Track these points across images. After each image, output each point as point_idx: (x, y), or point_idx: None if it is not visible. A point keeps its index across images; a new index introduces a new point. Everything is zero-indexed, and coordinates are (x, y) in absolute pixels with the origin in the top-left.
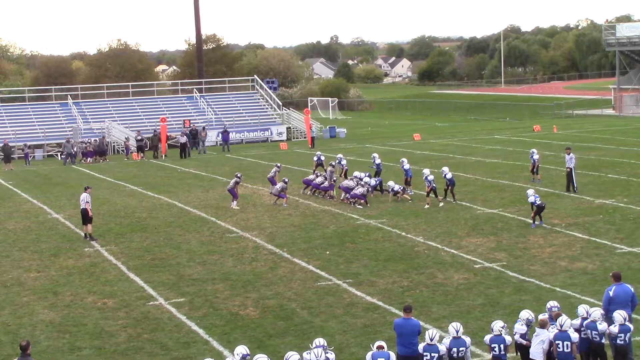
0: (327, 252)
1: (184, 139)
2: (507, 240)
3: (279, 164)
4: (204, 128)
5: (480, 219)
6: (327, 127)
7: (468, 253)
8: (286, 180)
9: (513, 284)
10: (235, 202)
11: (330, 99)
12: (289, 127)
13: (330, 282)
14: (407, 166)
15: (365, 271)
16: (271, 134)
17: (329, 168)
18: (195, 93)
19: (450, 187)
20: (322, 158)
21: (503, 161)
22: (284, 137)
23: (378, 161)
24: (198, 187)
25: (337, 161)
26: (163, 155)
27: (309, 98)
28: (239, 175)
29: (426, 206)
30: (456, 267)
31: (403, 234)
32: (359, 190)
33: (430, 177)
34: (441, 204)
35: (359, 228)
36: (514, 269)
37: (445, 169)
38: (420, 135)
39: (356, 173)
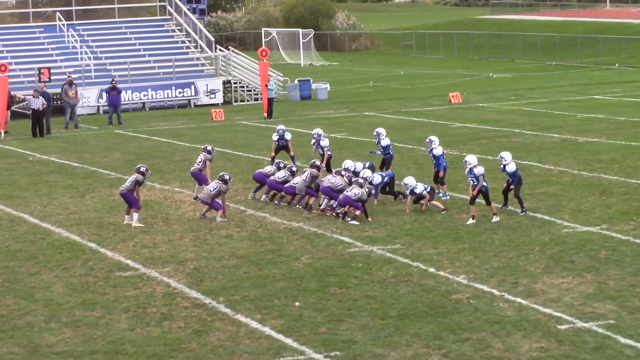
0: (297, 304)
1: (38, 103)
2: (616, 282)
3: (209, 147)
4: (71, 83)
5: (568, 244)
6: (297, 80)
7: (547, 304)
8: (226, 176)
9: (627, 358)
10: (135, 216)
11: (300, 30)
12: (228, 82)
13: (302, 357)
14: (438, 150)
15: (365, 337)
16: (196, 92)
17: (310, 170)
18: (60, 20)
19: (513, 187)
20: (288, 137)
21: (608, 140)
22: (219, 98)
23: (386, 142)
24: (65, 189)
25: (312, 141)
26: (1, 132)
27: (264, 29)
28: (142, 168)
29: (470, 221)
30: (526, 328)
31: (431, 270)
32: (353, 192)
33: (479, 170)
34: (496, 218)
35: (352, 260)
36: (628, 331)
37: (506, 155)
38: (462, 95)
39: (347, 163)
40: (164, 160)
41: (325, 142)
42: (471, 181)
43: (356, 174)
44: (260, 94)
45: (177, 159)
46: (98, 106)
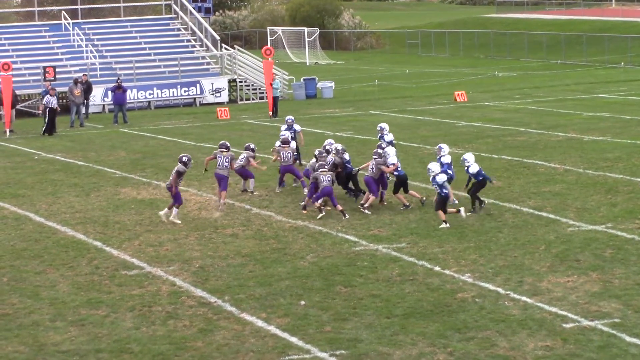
0: (303, 303)
1: (54, 101)
2: (621, 281)
3: (252, 146)
4: (76, 82)
5: (573, 243)
6: (302, 79)
7: (552, 303)
8: (252, 145)
9: (632, 357)
10: (175, 212)
11: (306, 29)
12: (234, 80)
13: (307, 356)
14: (446, 159)
15: (370, 335)
16: (202, 91)
17: (312, 161)
18: (65, 19)
19: (473, 185)
20: (298, 128)
21: (614, 139)
22: (225, 97)
23: (390, 137)
24: (71, 188)
25: (320, 151)
26: (7, 131)
27: (270, 28)
28: (184, 158)
29: (463, 212)
30: (531, 327)
31: (437, 268)
32: (327, 178)
33: (474, 169)
34: (464, 212)
35: (358, 259)
36: (633, 330)
37: (469, 157)
38: (468, 93)
39: (329, 142)
40: (169, 159)
41: (335, 146)
42: (435, 188)
43: (328, 152)
44: (266, 92)
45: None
46: (103, 105)
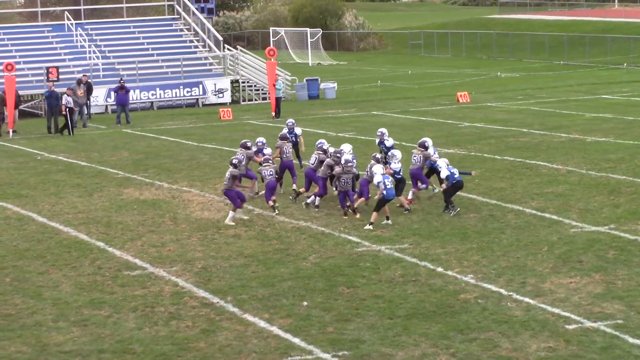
0: (305, 304)
1: (72, 102)
2: (624, 282)
3: (249, 143)
4: (80, 82)
5: (576, 244)
6: (305, 80)
7: (555, 304)
8: (248, 143)
9: (635, 358)
10: (231, 214)
11: (309, 30)
12: (236, 81)
13: (310, 357)
14: (435, 157)
15: (373, 336)
16: (204, 92)
17: (315, 153)
18: (68, 19)
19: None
20: (299, 131)
21: (617, 140)
22: (227, 97)
23: (390, 142)
24: (73, 188)
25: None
26: (10, 131)
27: (273, 29)
28: (234, 160)
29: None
30: (533, 328)
31: (439, 269)
32: (269, 171)
33: (443, 174)
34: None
35: (360, 260)
36: (636, 331)
37: (441, 163)
38: (470, 94)
39: (322, 142)
40: (172, 159)
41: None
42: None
43: (325, 152)
44: (268, 93)
45: (185, 158)
46: (106, 105)
